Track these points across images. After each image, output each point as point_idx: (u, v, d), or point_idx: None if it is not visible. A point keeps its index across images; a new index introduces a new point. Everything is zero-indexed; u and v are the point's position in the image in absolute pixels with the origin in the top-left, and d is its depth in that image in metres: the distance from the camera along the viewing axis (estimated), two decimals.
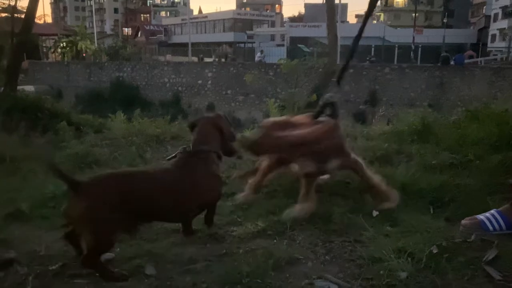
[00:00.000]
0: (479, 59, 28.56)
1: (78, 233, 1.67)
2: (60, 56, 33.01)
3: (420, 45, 31.03)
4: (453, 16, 47.16)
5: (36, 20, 9.78)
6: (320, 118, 2.33)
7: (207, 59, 30.34)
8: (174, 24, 52.29)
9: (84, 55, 32.16)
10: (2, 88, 6.64)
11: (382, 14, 53.92)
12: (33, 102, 6.05)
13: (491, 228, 1.87)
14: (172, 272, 1.68)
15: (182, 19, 46.95)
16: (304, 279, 1.58)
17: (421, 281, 1.51)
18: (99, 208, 1.63)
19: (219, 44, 43.76)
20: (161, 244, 1.96)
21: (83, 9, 74.02)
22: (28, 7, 6.89)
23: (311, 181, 2.23)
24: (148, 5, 68.26)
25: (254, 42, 39.32)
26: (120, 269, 1.69)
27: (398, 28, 41.20)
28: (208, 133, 2.03)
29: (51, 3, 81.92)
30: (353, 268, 1.67)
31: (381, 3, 51.36)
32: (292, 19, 62.14)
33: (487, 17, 43.99)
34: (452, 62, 19.77)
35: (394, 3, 56.26)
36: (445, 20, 39.88)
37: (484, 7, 47.88)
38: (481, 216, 1.92)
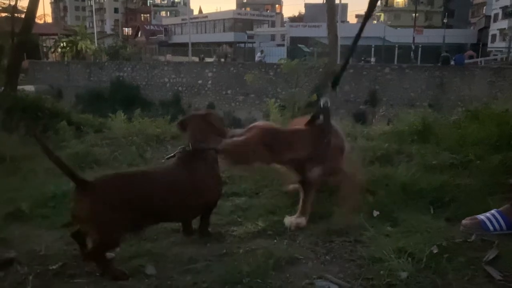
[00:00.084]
0: (479, 59, 28.57)
1: (84, 231, 1.67)
2: (60, 55, 33.00)
3: (420, 45, 31.00)
4: (453, 16, 47.12)
5: (36, 20, 9.77)
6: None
7: (208, 59, 30.34)
8: (174, 24, 52.28)
9: (84, 55, 32.15)
10: (2, 88, 6.64)
11: (382, 14, 53.93)
12: (33, 101, 6.05)
13: (491, 228, 1.87)
14: (173, 271, 1.68)
15: (182, 19, 46.94)
16: (304, 279, 1.58)
17: (421, 281, 1.51)
18: (107, 207, 1.63)
19: (219, 44, 43.76)
20: (161, 244, 1.96)
21: (83, 9, 74.04)
22: (29, 7, 6.89)
23: (306, 189, 2.17)
24: (148, 5, 68.26)
25: (254, 42, 39.31)
26: (121, 268, 1.69)
27: (398, 28, 41.18)
28: (203, 130, 2.02)
29: (51, 3, 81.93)
30: (353, 268, 1.67)
31: (381, 3, 51.35)
32: (292, 19, 62.13)
33: (487, 17, 43.98)
34: (452, 62, 19.78)
35: (394, 3, 56.25)
36: (445, 20, 39.80)
37: (484, 7, 47.89)
38: (481, 216, 1.92)
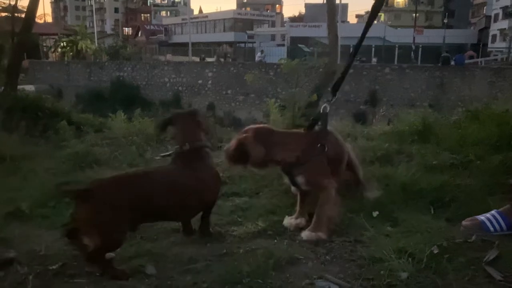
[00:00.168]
0: (479, 59, 28.56)
1: (86, 234, 1.66)
2: (60, 55, 32.99)
3: (420, 45, 31.01)
4: (454, 16, 47.13)
5: (37, 20, 9.78)
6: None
7: (208, 59, 30.35)
8: (175, 24, 52.30)
9: (84, 54, 32.14)
10: (3, 88, 6.64)
11: (383, 14, 53.88)
12: (34, 101, 6.05)
13: (491, 228, 1.87)
14: (173, 271, 1.68)
15: (183, 19, 46.96)
16: (304, 279, 1.58)
17: (421, 281, 1.51)
18: (108, 210, 1.64)
19: (219, 44, 43.76)
20: (162, 244, 1.96)
21: (84, 8, 74.06)
22: (29, 7, 6.89)
23: (302, 196, 2.15)
24: (148, 4, 68.27)
25: (255, 42, 39.32)
26: (121, 268, 1.69)
27: (399, 28, 41.17)
28: (194, 128, 2.03)
29: (51, 3, 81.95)
30: (353, 268, 1.67)
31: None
32: (293, 19, 62.13)
33: (488, 18, 43.97)
34: (452, 63, 19.77)
35: (395, 3, 56.26)
36: (445, 21, 39.82)
37: (485, 7, 47.87)
38: (481, 217, 1.92)
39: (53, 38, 33.70)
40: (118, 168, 3.40)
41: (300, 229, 2.06)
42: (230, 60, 30.04)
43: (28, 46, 15.40)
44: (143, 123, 4.81)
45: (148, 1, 68.40)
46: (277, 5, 65.01)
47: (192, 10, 61.41)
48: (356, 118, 10.35)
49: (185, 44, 35.89)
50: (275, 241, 1.94)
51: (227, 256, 1.80)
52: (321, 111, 2.12)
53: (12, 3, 8.52)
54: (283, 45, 36.56)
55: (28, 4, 6.84)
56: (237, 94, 20.49)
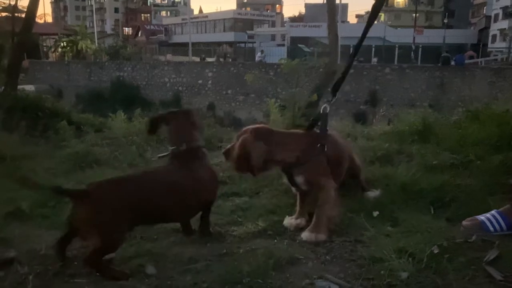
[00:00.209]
0: (479, 59, 28.56)
1: (83, 236, 1.66)
2: (60, 55, 32.99)
3: (420, 45, 31.02)
4: (454, 16, 47.12)
5: (37, 20, 9.77)
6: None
7: (209, 59, 30.36)
8: (175, 24, 52.31)
9: (84, 54, 32.15)
10: (3, 88, 6.65)
11: (383, 15, 53.88)
12: (34, 101, 6.06)
13: (492, 229, 1.87)
14: (173, 271, 1.68)
15: (183, 19, 46.96)
16: (304, 279, 1.58)
17: (422, 281, 1.51)
18: (107, 212, 1.64)
19: (219, 44, 43.77)
20: (162, 244, 1.96)
21: (84, 8, 74.07)
22: (29, 7, 6.89)
23: (302, 196, 2.15)
24: (148, 4, 68.29)
25: (255, 42, 39.33)
26: (121, 268, 1.69)
27: (399, 28, 41.17)
28: (190, 128, 2.02)
29: (51, 3, 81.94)
30: (353, 268, 1.67)
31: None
32: (293, 19, 62.14)
33: (488, 18, 43.97)
34: (452, 63, 19.78)
35: (395, 4, 56.26)
36: (445, 21, 39.82)
37: (485, 7, 47.87)
38: (481, 217, 1.91)
39: (53, 38, 33.71)
40: (118, 168, 3.41)
41: (300, 229, 2.06)
42: (230, 60, 30.04)
43: (28, 46, 15.40)
44: (143, 123, 4.81)
45: (148, 1, 68.42)
46: (277, 5, 65.03)
47: (192, 10, 61.50)
48: (356, 118, 10.35)
49: (185, 44, 35.91)
50: (275, 241, 1.94)
51: (227, 256, 1.80)
52: (321, 111, 2.12)
53: (12, 3, 8.54)
54: (283, 45, 36.57)
55: (28, 4, 6.85)
56: (237, 94, 20.49)
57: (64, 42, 32.95)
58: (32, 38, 19.48)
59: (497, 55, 32.73)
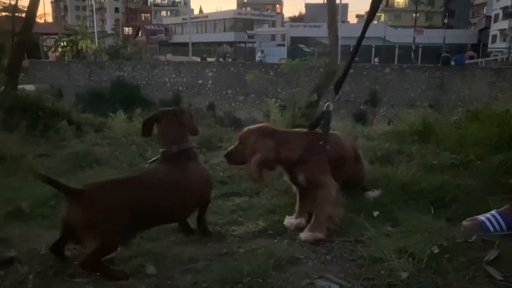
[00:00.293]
0: (479, 59, 28.55)
1: (80, 238, 1.66)
2: (60, 55, 33.00)
3: (420, 46, 31.02)
4: (454, 16, 47.11)
5: (37, 19, 9.78)
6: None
7: (209, 59, 30.37)
8: (175, 24, 52.31)
9: (84, 54, 32.15)
10: (3, 87, 6.65)
11: (383, 15, 53.92)
12: (34, 101, 6.06)
13: (492, 229, 1.87)
14: (173, 271, 1.68)
15: (183, 19, 46.97)
16: (305, 279, 1.58)
17: (422, 281, 1.51)
18: (104, 214, 1.64)
19: (219, 44, 43.77)
20: (162, 244, 1.96)
21: (84, 8, 74.06)
22: (29, 6, 6.89)
23: (302, 195, 2.15)
24: (149, 4, 68.30)
25: (255, 42, 39.33)
26: (121, 268, 1.69)
27: (399, 28, 41.20)
28: (180, 129, 2.00)
29: (51, 2, 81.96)
30: (354, 268, 1.67)
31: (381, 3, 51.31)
32: (293, 19, 62.09)
33: (488, 18, 43.96)
34: (452, 63, 19.77)
35: (395, 4, 56.25)
36: (445, 21, 39.82)
37: (485, 7, 47.86)
38: (481, 217, 1.91)
39: (53, 38, 33.73)
40: (119, 167, 3.41)
41: (300, 229, 2.06)
42: (230, 60, 30.03)
43: (29, 45, 15.42)
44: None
45: (149, 1, 68.43)
46: (277, 5, 65.03)
47: (192, 10, 61.49)
48: (356, 118, 10.34)
49: (185, 44, 35.90)
50: (276, 240, 1.94)
51: (227, 255, 1.80)
52: (324, 109, 2.12)
53: (13, 2, 8.54)
54: (283, 45, 36.57)
55: (29, 4, 6.85)
56: (237, 94, 20.49)
57: (64, 42, 32.97)
58: (32, 38, 19.49)
59: (497, 55, 32.73)
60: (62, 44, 33.13)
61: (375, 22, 47.46)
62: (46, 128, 5.10)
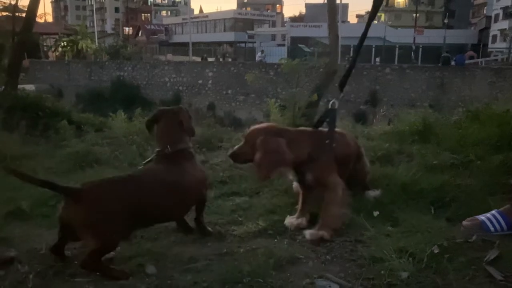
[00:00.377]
0: (479, 59, 28.54)
1: (78, 237, 1.66)
2: (60, 54, 33.00)
3: (420, 46, 30.99)
4: (454, 16, 47.10)
5: (37, 19, 9.76)
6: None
7: (210, 59, 30.38)
8: (175, 24, 52.32)
9: (85, 54, 32.15)
10: (3, 87, 6.64)
11: (383, 15, 53.89)
12: (34, 101, 6.06)
13: (492, 228, 1.87)
14: (173, 271, 1.68)
15: (183, 19, 46.98)
16: (305, 279, 1.58)
17: (422, 281, 1.51)
18: (103, 212, 1.63)
19: (220, 43, 43.77)
20: (162, 243, 1.96)
21: (84, 8, 74.07)
22: (29, 6, 6.89)
23: (304, 195, 2.16)
24: (149, 4, 68.31)
25: (255, 42, 39.33)
26: (121, 268, 1.69)
27: (399, 29, 41.16)
28: (177, 130, 2.00)
29: (52, 2, 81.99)
30: (354, 267, 1.67)
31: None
32: (293, 19, 62.11)
33: (488, 18, 43.95)
34: (453, 63, 19.78)
35: (395, 4, 56.25)
36: (446, 21, 39.81)
37: (485, 7, 47.85)
38: (482, 217, 1.91)
39: (53, 38, 33.73)
40: (119, 167, 3.40)
41: (301, 229, 2.06)
42: (230, 60, 30.03)
43: (29, 45, 15.41)
44: (143, 122, 4.80)
45: (149, 1, 68.43)
46: (278, 5, 65.04)
47: (193, 10, 61.50)
48: (357, 118, 10.34)
49: (185, 44, 35.90)
50: (276, 240, 1.95)
51: (227, 255, 1.80)
52: (330, 107, 2.12)
53: (13, 2, 8.53)
54: (284, 45, 36.57)
55: (29, 4, 6.84)
56: (238, 94, 20.50)
57: (65, 42, 32.97)
58: (33, 38, 19.49)
59: (497, 55, 32.72)
60: (62, 44, 33.13)
61: (375, 22, 47.47)
62: (46, 128, 5.09)
